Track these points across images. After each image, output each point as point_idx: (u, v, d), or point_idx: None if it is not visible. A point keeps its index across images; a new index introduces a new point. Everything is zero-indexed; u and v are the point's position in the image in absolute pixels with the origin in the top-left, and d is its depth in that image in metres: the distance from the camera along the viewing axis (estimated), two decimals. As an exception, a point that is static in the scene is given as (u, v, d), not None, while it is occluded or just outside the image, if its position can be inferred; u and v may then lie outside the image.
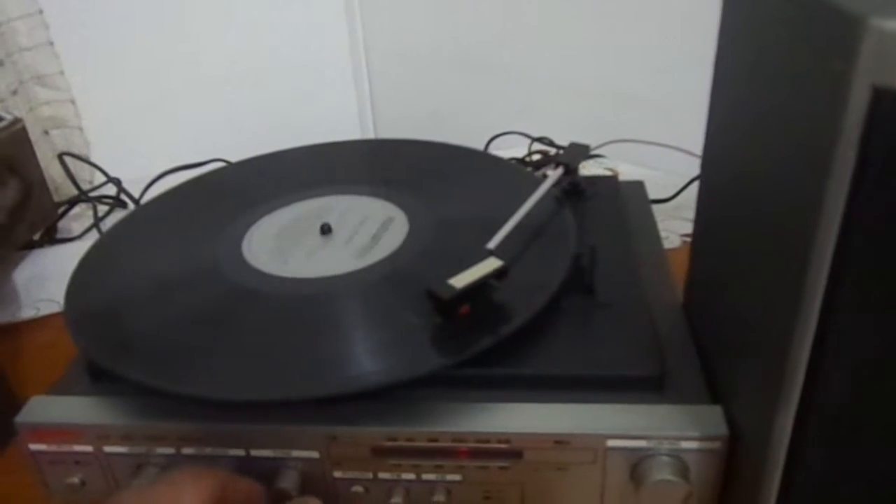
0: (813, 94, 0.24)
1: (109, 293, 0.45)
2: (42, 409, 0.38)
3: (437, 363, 0.37)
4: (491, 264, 0.40)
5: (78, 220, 0.71)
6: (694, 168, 0.66)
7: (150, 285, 0.45)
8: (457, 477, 0.37)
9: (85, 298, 0.44)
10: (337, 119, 1.00)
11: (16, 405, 0.46)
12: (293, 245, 0.47)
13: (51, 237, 0.66)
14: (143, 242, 0.50)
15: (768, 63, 0.30)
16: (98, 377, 0.40)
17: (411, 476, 0.37)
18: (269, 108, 0.91)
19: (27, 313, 0.58)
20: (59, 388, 0.40)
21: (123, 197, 0.71)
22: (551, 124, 0.75)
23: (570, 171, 0.52)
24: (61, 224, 0.69)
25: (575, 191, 0.52)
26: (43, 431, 0.38)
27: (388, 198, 0.51)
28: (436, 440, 0.36)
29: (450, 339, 0.38)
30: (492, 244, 0.42)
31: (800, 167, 0.25)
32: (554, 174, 0.49)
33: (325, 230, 0.48)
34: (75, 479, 0.39)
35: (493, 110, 0.89)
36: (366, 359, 0.38)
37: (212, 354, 0.39)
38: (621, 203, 0.53)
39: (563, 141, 0.70)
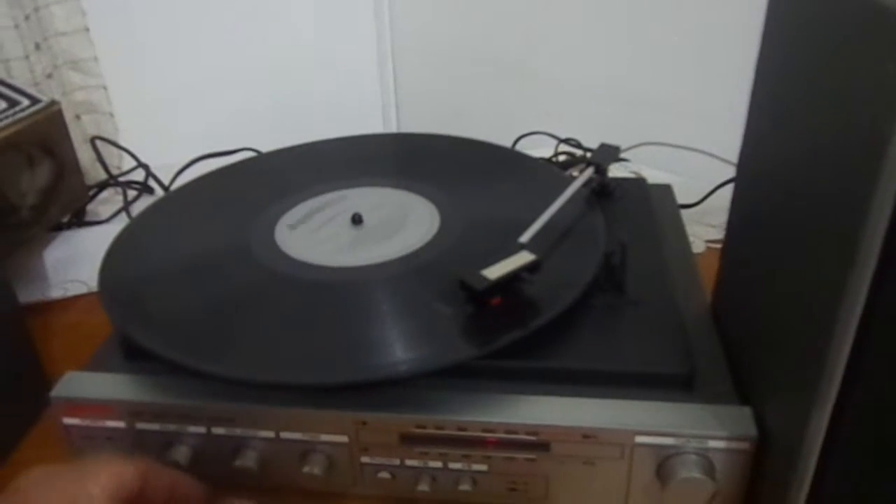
0: (865, 96, 0.24)
1: (144, 273, 0.45)
2: (76, 384, 0.39)
3: (466, 353, 0.38)
4: (524, 258, 0.40)
5: (105, 204, 0.72)
6: (719, 174, 0.67)
7: (183, 267, 0.46)
8: (483, 467, 0.37)
9: (120, 277, 0.45)
10: (360, 114, 1.01)
11: (45, 381, 0.46)
12: (324, 234, 0.47)
13: (79, 220, 0.67)
14: (176, 225, 0.50)
15: (816, 64, 0.30)
16: (132, 355, 0.40)
17: (438, 464, 0.37)
18: (293, 100, 0.91)
19: (56, 293, 0.58)
20: (93, 364, 0.41)
21: (151, 183, 0.72)
22: (577, 127, 0.75)
23: (600, 171, 0.52)
24: (89, 207, 0.70)
25: (604, 191, 0.52)
26: (77, 406, 0.38)
27: (418, 191, 0.51)
28: (464, 429, 0.36)
29: (480, 330, 0.39)
30: (524, 238, 0.43)
31: (849, 166, 0.25)
32: (585, 173, 0.50)
33: (357, 220, 0.48)
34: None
35: (518, 111, 0.90)
36: (397, 347, 0.38)
37: (244, 336, 0.40)
38: (649, 205, 0.53)
39: (590, 143, 0.71)
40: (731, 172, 0.63)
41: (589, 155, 0.66)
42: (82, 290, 0.59)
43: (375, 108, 1.02)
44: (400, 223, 0.48)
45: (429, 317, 0.40)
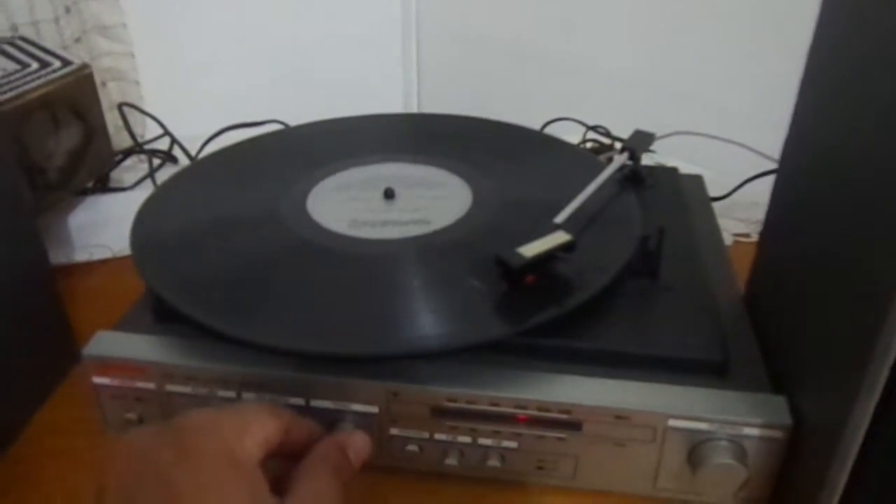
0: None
1: (176, 236, 0.45)
2: (108, 343, 0.39)
3: (500, 330, 0.37)
4: (559, 237, 0.40)
5: (129, 171, 0.71)
6: (747, 169, 0.66)
7: (216, 232, 0.45)
8: (513, 444, 0.37)
9: (152, 240, 0.44)
10: (381, 93, 1.00)
11: (72, 342, 0.46)
12: (357, 206, 0.47)
13: (103, 186, 0.67)
14: (208, 191, 0.50)
15: (873, 55, 0.30)
16: (162, 318, 0.40)
17: (467, 439, 0.37)
18: (315, 75, 0.91)
19: (80, 256, 0.58)
20: (124, 325, 0.40)
21: (175, 152, 0.72)
22: (601, 115, 0.75)
23: (634, 157, 0.52)
24: (113, 174, 0.69)
25: (635, 178, 0.52)
26: (109, 365, 0.38)
27: (451, 169, 0.51)
28: (497, 405, 0.36)
29: (514, 308, 0.39)
30: (559, 219, 0.42)
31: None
32: (619, 158, 0.49)
33: (389, 195, 0.48)
34: (133, 416, 0.40)
35: (541, 96, 0.89)
36: (431, 321, 0.38)
37: (277, 303, 0.39)
38: (681, 195, 0.53)
39: (619, 132, 0.70)
40: (761, 166, 0.63)
41: (617, 144, 0.66)
42: (106, 254, 0.59)
43: (396, 87, 1.02)
44: (432, 200, 0.48)
45: (463, 293, 0.40)
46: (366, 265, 0.42)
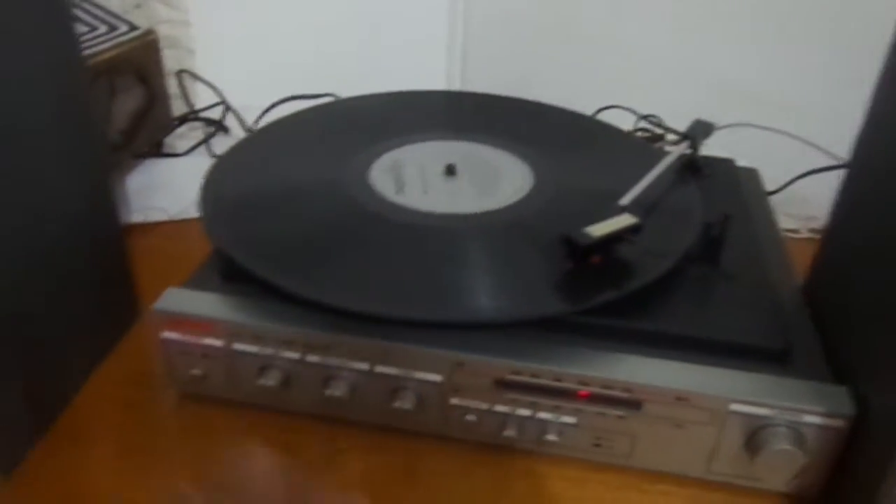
0: None
1: (244, 199, 0.46)
2: (178, 299, 0.40)
3: (563, 307, 0.38)
4: (626, 220, 0.40)
5: (180, 138, 0.72)
6: (798, 164, 0.66)
7: (283, 198, 0.46)
8: (571, 420, 0.38)
9: (221, 202, 0.45)
10: (422, 71, 1.00)
11: (135, 299, 0.48)
12: (420, 180, 0.48)
13: (158, 151, 0.68)
14: (273, 158, 0.51)
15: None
16: (230, 278, 0.41)
17: (527, 412, 0.38)
18: (362, 50, 0.91)
19: (136, 218, 0.59)
20: (192, 283, 0.41)
21: (227, 122, 0.73)
22: (644, 104, 0.74)
23: (693, 146, 0.52)
24: (166, 140, 0.71)
25: (693, 167, 0.52)
26: (179, 321, 0.39)
27: (511, 150, 0.52)
28: (560, 380, 0.36)
29: (578, 287, 0.39)
30: (624, 201, 0.43)
31: None
32: (681, 145, 0.50)
33: (451, 171, 0.49)
34: (198, 372, 0.41)
35: (587, 84, 0.89)
36: (497, 292, 0.39)
37: (345, 268, 0.40)
38: (738, 186, 0.53)
39: (671, 123, 0.70)
40: (811, 162, 0.62)
41: (670, 136, 0.66)
42: (162, 216, 0.60)
43: (439, 67, 1.02)
44: (494, 178, 0.48)
45: (530, 268, 0.40)
46: (434, 236, 0.43)
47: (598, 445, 0.38)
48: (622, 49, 0.87)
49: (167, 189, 0.62)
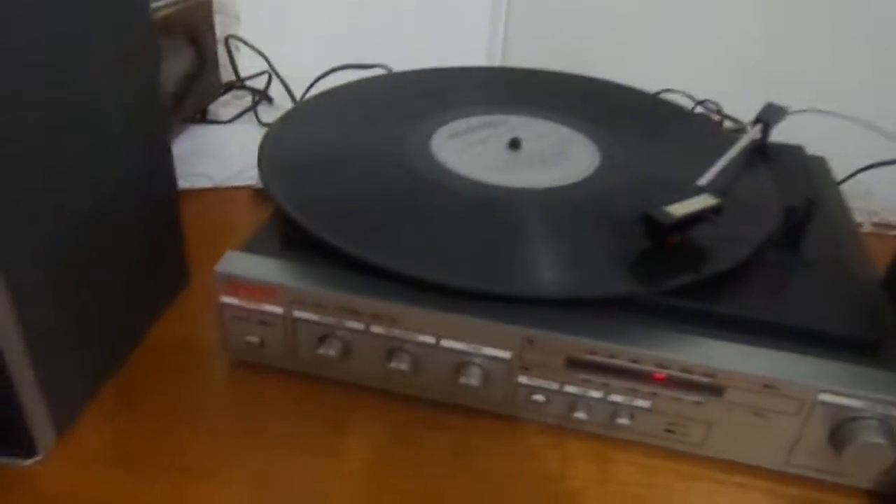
0: None
1: (307, 162, 0.44)
2: (239, 263, 0.38)
3: (642, 287, 0.36)
4: (706, 200, 0.38)
5: (224, 106, 0.71)
6: (862, 156, 0.64)
7: (346, 165, 0.45)
8: (645, 404, 0.36)
9: (283, 166, 0.44)
10: (462, 48, 0.98)
11: (185, 264, 0.46)
12: (483, 154, 0.46)
13: (203, 117, 0.67)
14: (333, 125, 0.49)
15: None
16: (291, 244, 0.40)
17: (598, 394, 0.36)
18: (401, 26, 0.90)
19: (182, 184, 0.58)
20: (252, 247, 0.40)
21: (272, 92, 0.71)
22: (705, 92, 0.72)
23: (765, 131, 0.50)
24: (210, 107, 0.69)
25: (762, 151, 0.50)
26: (239, 284, 0.38)
27: (577, 128, 0.50)
28: (637, 361, 0.35)
29: (656, 267, 0.38)
30: (703, 181, 0.41)
31: None
32: (756, 128, 0.48)
33: (515, 145, 0.47)
34: (255, 339, 0.39)
35: (637, 67, 0.87)
36: (571, 269, 0.37)
37: (413, 237, 0.39)
38: (808, 173, 0.51)
39: (728, 109, 0.68)
40: (881, 154, 0.60)
41: (725, 122, 0.64)
42: (207, 184, 0.59)
43: (480, 43, 1.00)
44: (558, 154, 0.47)
45: (606, 246, 0.39)
46: (505, 209, 0.41)
47: (670, 431, 0.37)
48: (669, 31, 0.85)
49: (212, 156, 0.61)
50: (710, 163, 0.43)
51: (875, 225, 0.59)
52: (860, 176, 0.63)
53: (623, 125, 0.51)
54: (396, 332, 0.37)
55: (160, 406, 0.39)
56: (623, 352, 0.35)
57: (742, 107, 0.65)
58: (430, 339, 0.37)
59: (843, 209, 0.49)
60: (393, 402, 0.39)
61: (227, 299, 0.39)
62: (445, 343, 0.37)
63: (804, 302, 0.38)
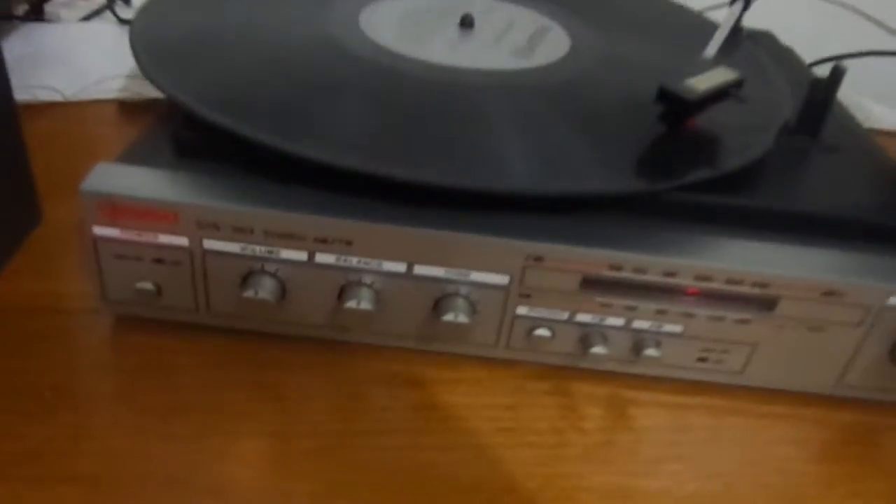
0: None
1: (201, 42, 0.33)
2: (118, 179, 0.27)
3: (665, 181, 0.29)
4: (724, 73, 0.31)
5: (66, 8, 0.56)
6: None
7: (250, 42, 0.33)
8: (676, 328, 0.29)
9: (169, 48, 0.32)
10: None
11: (34, 199, 0.34)
12: (426, 32, 0.36)
13: (37, 14, 0.52)
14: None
15: None
16: (187, 148, 0.28)
17: (618, 322, 0.29)
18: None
19: (21, 96, 0.44)
20: (131, 158, 0.28)
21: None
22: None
23: (745, 8, 0.43)
24: (48, 8, 0.54)
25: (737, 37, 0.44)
26: (119, 207, 0.26)
27: (541, 10, 0.41)
28: (673, 274, 0.27)
29: (673, 158, 0.30)
30: (710, 51, 0.34)
31: None
32: (737, 4, 0.41)
33: (466, 23, 0.37)
34: (148, 285, 0.28)
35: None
36: (576, 164, 0.29)
37: (363, 126, 0.29)
38: (783, 62, 0.45)
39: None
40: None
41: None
42: (55, 97, 0.45)
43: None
44: (521, 36, 0.38)
45: (615, 135, 0.31)
46: (477, 95, 0.32)
47: (703, 360, 0.30)
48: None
49: (61, 64, 0.47)
50: (698, 52, 0.36)
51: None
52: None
53: (602, 15, 0.42)
54: (353, 261, 0.27)
55: (15, 392, 0.27)
56: (656, 263, 0.27)
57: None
58: (398, 267, 0.27)
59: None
60: (345, 355, 0.30)
61: (102, 231, 0.27)
62: (420, 270, 0.27)
63: (845, 192, 0.31)
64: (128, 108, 0.46)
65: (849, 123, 0.38)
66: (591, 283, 0.27)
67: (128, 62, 0.48)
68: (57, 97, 0.45)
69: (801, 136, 0.34)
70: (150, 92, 0.46)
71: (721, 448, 0.28)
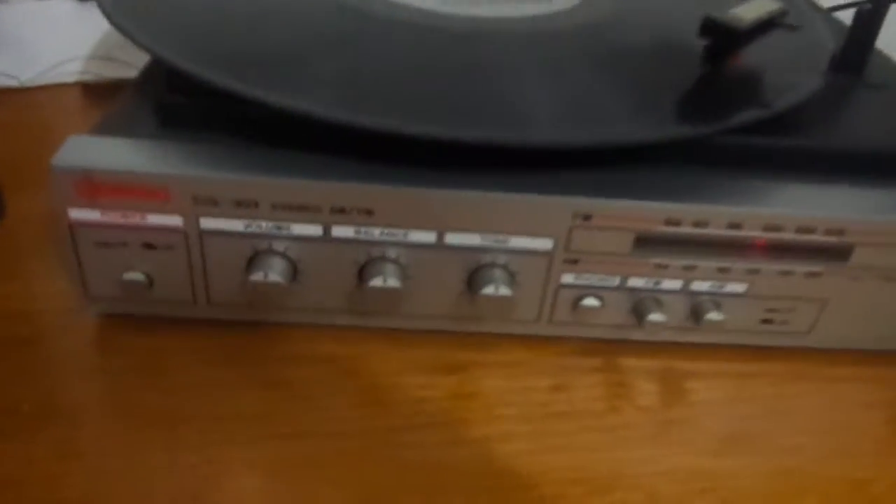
0: None
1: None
2: (94, 151, 0.23)
3: (714, 124, 0.25)
4: (766, 3, 0.28)
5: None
6: None
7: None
8: (739, 288, 0.26)
9: (146, 5, 0.28)
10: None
11: None
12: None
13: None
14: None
15: None
16: (173, 117, 0.25)
17: (675, 285, 0.25)
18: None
19: (-34, 84, 0.40)
20: (109, 128, 0.24)
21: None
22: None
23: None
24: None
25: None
26: (100, 185, 0.23)
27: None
28: (738, 226, 0.24)
29: (722, 99, 0.27)
30: (747, -14, 0.30)
31: None
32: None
33: (470, -28, 0.34)
34: (138, 275, 0.24)
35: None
36: (615, 112, 0.26)
37: (373, 84, 0.25)
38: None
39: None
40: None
41: None
42: (10, 83, 0.41)
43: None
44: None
45: (650, 77, 0.28)
46: (495, 45, 0.28)
47: (767, 322, 0.27)
48: None
49: (10, 46, 0.42)
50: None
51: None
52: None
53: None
54: (375, 233, 0.24)
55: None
56: (719, 214, 0.24)
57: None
58: (427, 237, 0.24)
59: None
60: (370, 343, 0.26)
61: (80, 213, 0.23)
62: (452, 239, 0.24)
63: (903, 129, 0.29)
64: (90, 91, 0.41)
65: (887, 63, 0.35)
66: (646, 242, 0.24)
67: (88, 43, 0.44)
68: (12, 83, 0.41)
69: (844, 74, 0.31)
70: (114, 72, 0.42)
71: (794, 418, 0.26)
